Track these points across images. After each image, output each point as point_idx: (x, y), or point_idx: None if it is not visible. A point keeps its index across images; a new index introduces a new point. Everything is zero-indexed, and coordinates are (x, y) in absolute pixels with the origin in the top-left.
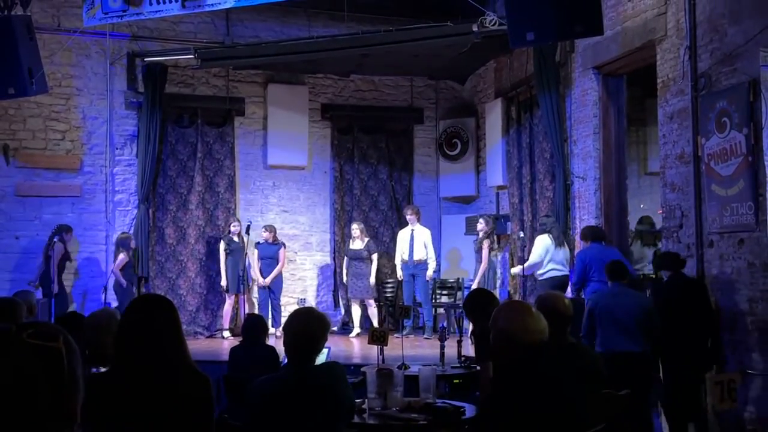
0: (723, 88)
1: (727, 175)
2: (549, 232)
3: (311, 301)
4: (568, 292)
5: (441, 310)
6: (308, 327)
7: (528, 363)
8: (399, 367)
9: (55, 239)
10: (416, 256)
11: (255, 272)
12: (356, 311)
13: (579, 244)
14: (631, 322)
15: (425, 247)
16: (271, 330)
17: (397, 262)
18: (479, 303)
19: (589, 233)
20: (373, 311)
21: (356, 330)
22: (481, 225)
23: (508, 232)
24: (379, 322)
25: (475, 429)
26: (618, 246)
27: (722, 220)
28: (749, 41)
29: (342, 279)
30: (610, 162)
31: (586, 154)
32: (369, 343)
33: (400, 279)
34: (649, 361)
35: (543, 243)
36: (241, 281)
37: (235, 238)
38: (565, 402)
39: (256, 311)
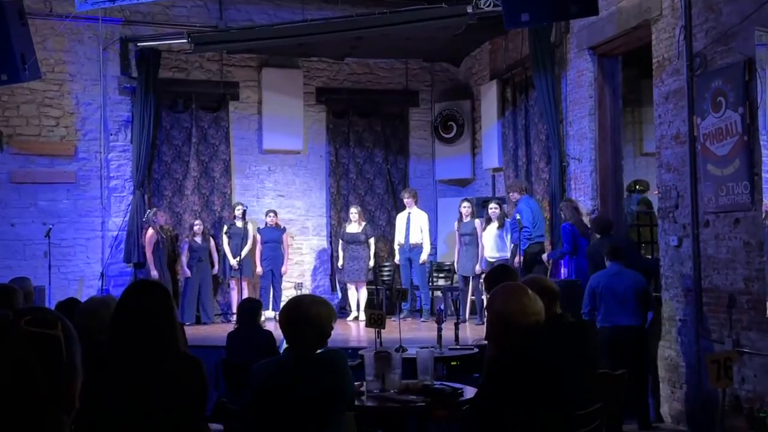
0: (718, 68)
1: (723, 154)
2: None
3: (308, 286)
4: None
5: (438, 293)
6: (308, 314)
7: (526, 346)
8: (396, 350)
9: (147, 226)
10: (412, 240)
11: (256, 257)
12: (353, 295)
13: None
14: (630, 298)
15: (421, 230)
16: (271, 313)
17: (395, 245)
18: (499, 278)
19: (519, 186)
20: (362, 294)
21: (354, 313)
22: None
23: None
24: (371, 306)
25: (472, 412)
26: (615, 228)
27: (718, 200)
28: (744, 20)
29: (338, 263)
30: (606, 143)
31: (581, 135)
32: (367, 326)
33: (397, 263)
34: (647, 333)
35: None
36: (229, 266)
37: (238, 224)
38: (564, 385)
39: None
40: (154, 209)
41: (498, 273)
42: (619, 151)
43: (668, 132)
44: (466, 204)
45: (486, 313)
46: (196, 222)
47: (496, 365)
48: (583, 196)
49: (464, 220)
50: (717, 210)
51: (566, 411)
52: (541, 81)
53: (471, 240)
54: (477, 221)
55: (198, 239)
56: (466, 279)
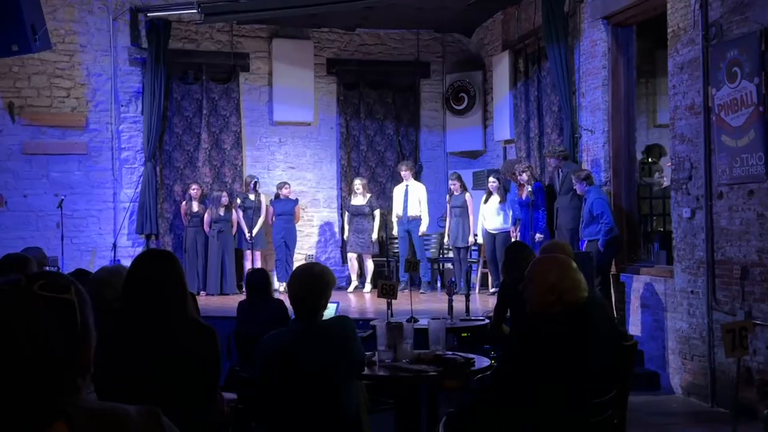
0: (734, 38)
1: (738, 125)
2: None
3: (319, 258)
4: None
5: (449, 266)
6: (310, 282)
7: (568, 321)
8: (408, 321)
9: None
10: (410, 212)
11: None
12: (354, 267)
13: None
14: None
15: (419, 203)
16: (283, 284)
17: (393, 218)
18: (520, 254)
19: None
20: (369, 266)
21: (354, 284)
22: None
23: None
24: (381, 277)
25: (496, 376)
26: (627, 201)
27: (732, 171)
28: None
29: (343, 235)
30: (619, 114)
31: (594, 106)
32: (379, 296)
33: (395, 235)
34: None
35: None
36: (245, 238)
37: (251, 196)
38: (592, 366)
39: (273, 267)
40: (190, 184)
41: (518, 249)
42: (633, 122)
43: (683, 102)
44: (453, 179)
45: (532, 278)
46: (223, 194)
47: (534, 334)
48: (596, 168)
49: (455, 194)
50: (731, 181)
51: (590, 391)
52: (553, 51)
53: (461, 212)
54: (467, 194)
55: (221, 211)
56: (458, 250)
